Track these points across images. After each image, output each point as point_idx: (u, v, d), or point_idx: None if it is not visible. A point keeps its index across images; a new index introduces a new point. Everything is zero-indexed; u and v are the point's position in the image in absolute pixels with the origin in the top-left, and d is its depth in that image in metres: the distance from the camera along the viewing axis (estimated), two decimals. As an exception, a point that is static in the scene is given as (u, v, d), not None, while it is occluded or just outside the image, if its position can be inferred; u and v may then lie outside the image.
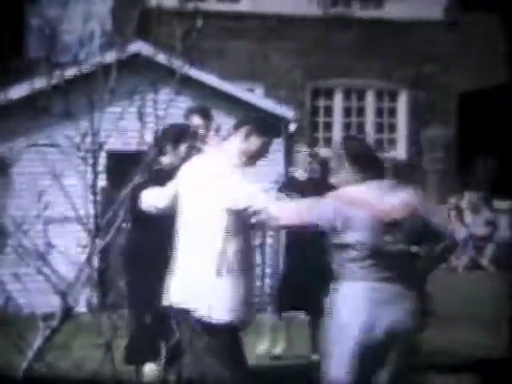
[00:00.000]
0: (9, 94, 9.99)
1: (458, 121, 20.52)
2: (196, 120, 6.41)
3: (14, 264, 5.10)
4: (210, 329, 4.27)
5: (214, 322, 4.28)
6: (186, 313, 4.35)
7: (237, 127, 4.75)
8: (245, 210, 4.36)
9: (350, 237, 4.17)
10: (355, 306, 4.11)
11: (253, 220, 4.39)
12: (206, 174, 4.61)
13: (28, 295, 8.46)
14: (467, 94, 20.14)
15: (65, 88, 2.56)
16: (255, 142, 4.67)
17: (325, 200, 4.33)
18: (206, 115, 6.49)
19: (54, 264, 2.54)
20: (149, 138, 6.33)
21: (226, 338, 4.34)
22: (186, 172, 4.83)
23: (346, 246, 4.19)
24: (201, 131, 6.24)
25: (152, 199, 4.96)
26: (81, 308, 2.71)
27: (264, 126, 4.79)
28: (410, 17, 20.51)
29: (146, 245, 5.70)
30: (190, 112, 6.56)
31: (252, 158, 4.69)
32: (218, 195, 4.47)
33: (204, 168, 4.68)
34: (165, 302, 4.57)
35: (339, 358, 4.10)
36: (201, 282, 4.42)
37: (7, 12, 19.90)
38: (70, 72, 2.83)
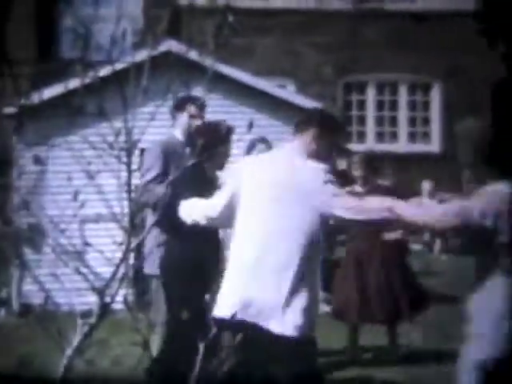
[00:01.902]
0: (43, 95, 10.10)
1: (493, 112, 20.35)
2: (192, 109, 6.29)
3: (52, 264, 5.16)
4: (280, 341, 4.08)
5: (287, 334, 4.07)
6: (252, 326, 4.08)
7: (302, 128, 4.47)
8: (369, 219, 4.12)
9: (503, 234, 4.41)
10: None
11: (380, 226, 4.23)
12: (289, 180, 4.23)
13: (66, 294, 8.54)
14: (501, 85, 19.95)
15: (98, 87, 2.58)
16: (323, 143, 4.43)
17: (471, 201, 4.42)
18: (201, 105, 6.36)
19: (91, 262, 2.56)
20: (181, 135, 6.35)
21: (296, 350, 4.17)
22: (256, 178, 4.36)
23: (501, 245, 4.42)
24: (196, 121, 6.18)
25: (201, 210, 4.62)
26: (118, 305, 2.74)
27: (330, 127, 4.54)
28: (441, 8, 20.38)
29: (187, 259, 5.45)
30: (184, 101, 6.29)
31: (318, 160, 4.39)
32: (311, 203, 4.17)
33: (285, 174, 4.27)
34: (220, 313, 4.23)
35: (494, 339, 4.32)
36: (276, 298, 4.11)
37: (41, 13, 20.07)
38: (104, 71, 2.85)
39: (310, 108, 6.06)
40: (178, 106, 6.26)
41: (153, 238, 5.18)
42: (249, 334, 3.83)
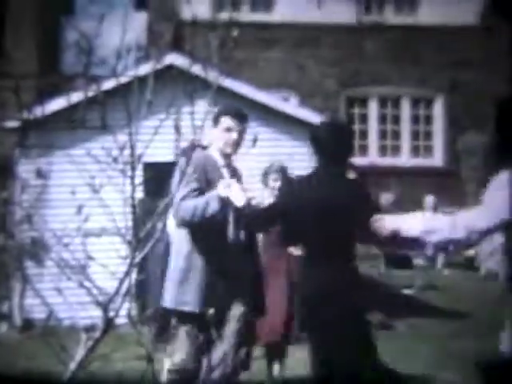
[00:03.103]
0: (46, 108, 10.11)
1: (496, 127, 20.33)
2: (228, 122, 5.30)
3: (55, 278, 5.14)
4: None
5: None
6: None
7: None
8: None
9: None
10: None
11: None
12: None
13: (69, 308, 8.52)
14: (505, 100, 19.95)
15: (102, 101, 2.58)
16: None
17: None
18: (239, 116, 5.43)
19: (94, 276, 2.55)
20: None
21: None
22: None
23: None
24: (234, 135, 5.26)
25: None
26: (121, 320, 2.73)
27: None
28: (444, 22, 20.41)
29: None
30: (220, 114, 5.36)
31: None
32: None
33: None
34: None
35: None
36: None
37: (44, 28, 20.13)
38: (107, 85, 2.85)
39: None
40: (214, 120, 5.32)
41: (183, 271, 5.00)
42: None
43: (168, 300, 5.06)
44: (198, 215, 4.84)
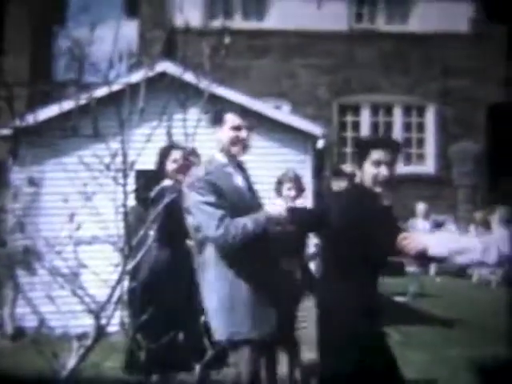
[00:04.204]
0: (39, 116, 10.09)
1: (487, 134, 20.42)
2: (233, 120, 4.94)
3: (46, 286, 5.12)
4: None
5: None
6: None
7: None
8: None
9: None
10: None
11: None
12: None
13: (61, 317, 8.49)
14: (496, 107, 20.04)
15: (93, 108, 2.58)
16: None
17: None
18: (245, 113, 5.13)
19: (86, 285, 2.55)
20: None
21: None
22: None
23: None
24: (243, 133, 4.90)
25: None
26: (113, 328, 2.72)
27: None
28: (435, 30, 20.49)
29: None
30: (220, 112, 5.01)
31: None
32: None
33: None
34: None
35: None
36: None
37: (36, 35, 20.13)
38: (99, 93, 2.85)
39: None
40: (216, 120, 4.97)
41: None
42: None
43: (220, 331, 4.65)
44: (248, 236, 4.54)
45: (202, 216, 4.54)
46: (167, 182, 5.99)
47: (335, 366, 4.39)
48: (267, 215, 4.57)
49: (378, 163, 4.45)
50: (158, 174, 6.12)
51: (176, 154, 5.99)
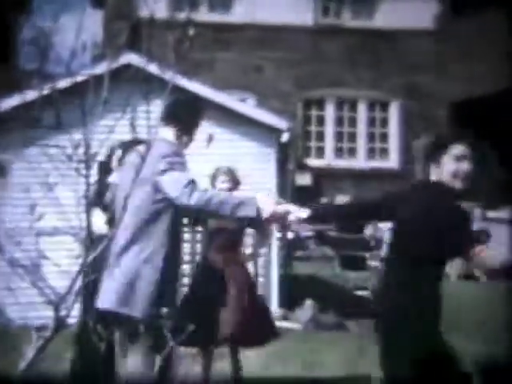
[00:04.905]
0: (1, 106, 10.00)
1: (450, 130, 20.59)
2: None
3: (6, 278, 5.09)
4: None
5: None
6: None
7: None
8: None
9: None
10: None
11: None
12: None
13: (20, 308, 8.44)
14: (458, 103, 20.22)
15: (56, 99, 2.56)
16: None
17: None
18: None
19: (47, 276, 2.53)
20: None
21: None
22: None
23: None
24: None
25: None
26: (73, 319, 2.71)
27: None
28: (400, 26, 20.61)
29: None
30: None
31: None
32: None
33: None
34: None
35: None
36: None
37: (0, 25, 19.92)
38: (63, 83, 2.83)
39: None
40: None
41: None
42: None
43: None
44: (224, 211, 4.41)
45: (168, 179, 4.43)
46: (111, 178, 6.05)
47: (403, 366, 4.29)
48: (257, 206, 4.49)
49: (458, 158, 4.35)
50: (106, 168, 6.19)
51: (119, 154, 6.07)
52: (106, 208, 5.40)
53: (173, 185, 4.38)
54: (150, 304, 4.40)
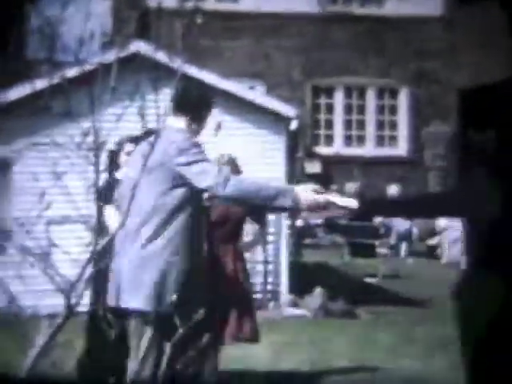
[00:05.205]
0: (10, 95, 10.01)
1: (459, 117, 20.53)
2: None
3: (16, 265, 5.10)
4: None
5: None
6: None
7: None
8: None
9: None
10: None
11: None
12: None
13: (31, 296, 8.47)
14: (468, 90, 20.14)
15: (65, 88, 2.56)
16: None
17: None
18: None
19: (57, 264, 2.54)
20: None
21: None
22: None
23: None
24: None
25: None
26: (83, 307, 2.73)
27: None
28: (409, 13, 20.52)
29: None
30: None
31: None
32: None
33: None
34: None
35: None
36: None
37: (8, 13, 19.91)
38: (71, 72, 2.84)
39: None
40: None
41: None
42: None
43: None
44: (261, 200, 4.38)
45: (196, 171, 4.35)
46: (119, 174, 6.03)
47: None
48: (294, 197, 4.44)
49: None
50: (111, 164, 6.16)
51: (130, 147, 5.99)
52: (115, 204, 5.35)
53: (202, 176, 4.31)
54: (178, 295, 4.30)
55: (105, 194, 5.31)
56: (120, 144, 6.15)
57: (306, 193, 4.37)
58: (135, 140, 5.87)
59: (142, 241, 4.34)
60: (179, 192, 4.39)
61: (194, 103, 4.69)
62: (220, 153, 6.58)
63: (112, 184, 5.72)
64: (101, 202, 2.79)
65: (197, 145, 4.48)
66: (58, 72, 2.65)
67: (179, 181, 4.37)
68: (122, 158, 6.14)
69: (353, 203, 4.36)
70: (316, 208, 4.43)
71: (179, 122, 4.61)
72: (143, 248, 4.35)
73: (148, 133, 4.84)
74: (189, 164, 4.35)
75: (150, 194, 4.33)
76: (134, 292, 4.32)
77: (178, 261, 4.39)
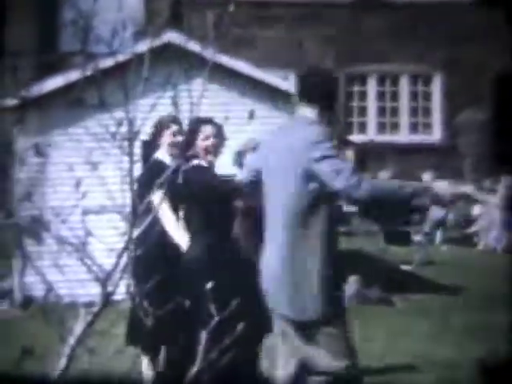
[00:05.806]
0: (44, 87, 10.11)
1: (494, 103, 20.35)
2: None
3: (54, 255, 5.16)
4: None
5: None
6: None
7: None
8: None
9: None
10: None
11: None
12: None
13: (69, 285, 8.57)
14: (502, 76, 19.94)
15: (99, 79, 2.59)
16: None
17: None
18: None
19: (94, 253, 2.57)
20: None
21: None
22: None
23: None
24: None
25: None
26: (120, 296, 2.76)
27: None
28: (442, -1, 20.37)
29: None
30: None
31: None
32: None
33: None
34: None
35: None
36: None
37: (42, 6, 20.07)
38: (105, 63, 2.86)
39: None
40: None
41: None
42: None
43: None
44: (399, 200, 4.22)
45: (328, 168, 4.06)
46: (161, 155, 5.90)
47: None
48: (433, 194, 4.33)
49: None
50: (152, 144, 6.00)
51: (174, 128, 5.85)
52: (161, 187, 5.25)
53: (335, 175, 4.01)
54: (323, 300, 4.11)
55: (146, 181, 5.23)
56: (161, 123, 5.92)
57: (445, 188, 4.26)
58: (178, 121, 5.76)
59: (282, 241, 4.19)
60: (314, 192, 4.13)
61: (325, 92, 4.49)
62: (249, 137, 6.47)
63: (154, 168, 5.53)
64: (141, 190, 2.81)
65: (328, 138, 4.23)
66: (91, 63, 2.68)
67: (312, 180, 4.11)
68: (166, 138, 5.90)
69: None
70: (457, 200, 4.38)
71: (311, 114, 4.40)
72: (282, 250, 4.19)
73: (197, 120, 4.81)
74: (322, 159, 4.07)
75: (285, 193, 4.18)
76: (277, 294, 4.19)
77: (319, 264, 4.15)
